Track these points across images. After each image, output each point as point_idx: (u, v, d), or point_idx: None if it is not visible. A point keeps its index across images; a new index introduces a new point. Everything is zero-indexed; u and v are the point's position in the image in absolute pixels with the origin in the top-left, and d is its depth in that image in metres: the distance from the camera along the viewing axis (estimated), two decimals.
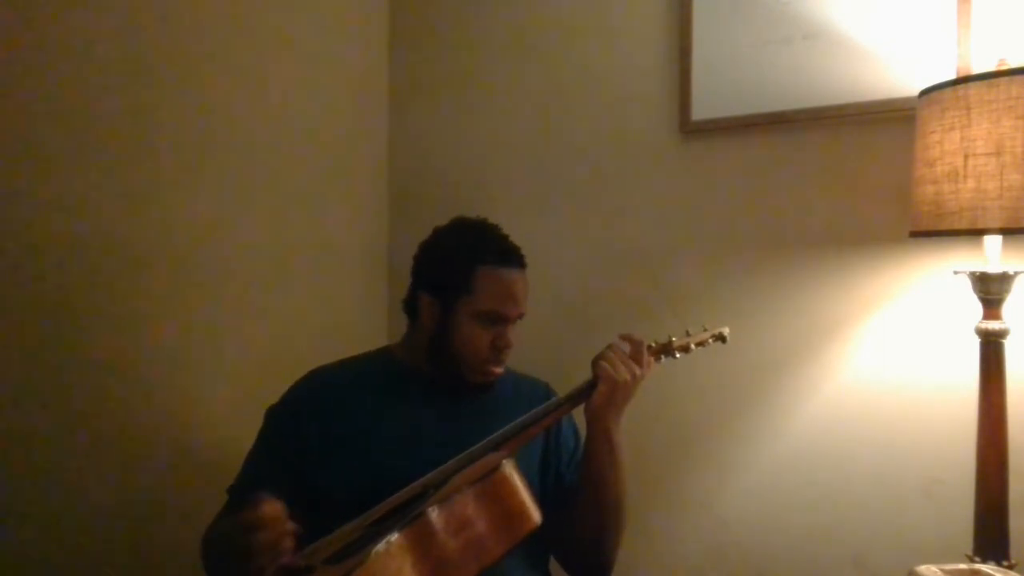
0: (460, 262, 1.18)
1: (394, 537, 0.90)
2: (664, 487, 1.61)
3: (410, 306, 1.26)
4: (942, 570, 1.05)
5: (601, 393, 1.12)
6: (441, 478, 1.04)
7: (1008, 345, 1.18)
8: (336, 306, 1.83)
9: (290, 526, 0.93)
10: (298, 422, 1.19)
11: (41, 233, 1.24)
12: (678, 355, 1.21)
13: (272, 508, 0.92)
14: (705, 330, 1.24)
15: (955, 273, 1.25)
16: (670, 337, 1.21)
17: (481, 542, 0.92)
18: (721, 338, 1.25)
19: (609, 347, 1.15)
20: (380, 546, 0.88)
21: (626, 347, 1.16)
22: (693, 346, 1.22)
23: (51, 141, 1.25)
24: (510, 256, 1.20)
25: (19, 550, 1.21)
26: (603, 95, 1.72)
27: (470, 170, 1.90)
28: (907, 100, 1.30)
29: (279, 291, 1.67)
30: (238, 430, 1.30)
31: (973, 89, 1.10)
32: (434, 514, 0.92)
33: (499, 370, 1.20)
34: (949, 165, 1.12)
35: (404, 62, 1.99)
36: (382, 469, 1.13)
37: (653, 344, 1.20)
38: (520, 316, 1.21)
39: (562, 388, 1.19)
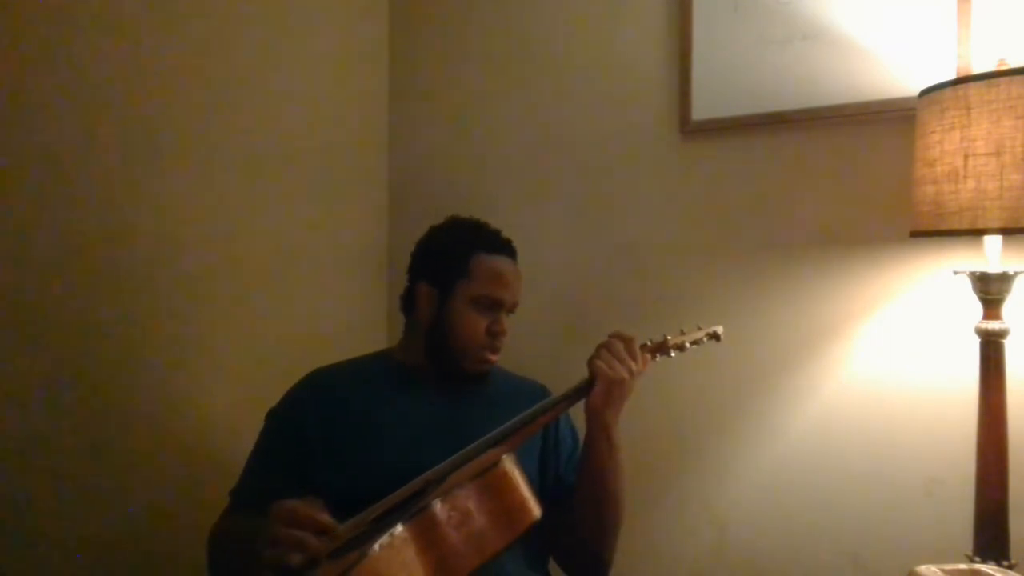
0: (457, 249, 1.22)
1: (398, 530, 0.91)
2: (664, 487, 1.61)
3: (407, 301, 1.28)
4: (942, 570, 1.04)
5: (599, 392, 1.12)
6: (441, 475, 1.04)
7: (1008, 345, 1.18)
8: (336, 308, 1.83)
9: (305, 534, 0.94)
10: (299, 423, 1.19)
11: (42, 233, 1.24)
12: (673, 354, 1.21)
13: (303, 511, 0.94)
14: (699, 329, 1.24)
15: (955, 273, 1.25)
16: (665, 336, 1.21)
17: (483, 535, 0.93)
18: (715, 336, 1.25)
19: (603, 346, 1.15)
20: (384, 539, 0.89)
21: (619, 345, 1.16)
22: (688, 345, 1.22)
23: (55, 142, 1.25)
24: (503, 246, 1.25)
25: (20, 552, 1.21)
26: (603, 95, 1.72)
27: (469, 171, 1.90)
28: (907, 100, 1.30)
29: (279, 293, 1.67)
30: (239, 431, 1.30)
31: (973, 89, 1.10)
32: (437, 507, 0.92)
33: (494, 358, 1.22)
34: (949, 165, 1.12)
35: (404, 63, 1.99)
36: (383, 467, 1.13)
37: (648, 343, 1.20)
38: (514, 305, 1.24)
39: (560, 388, 1.19)
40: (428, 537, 0.91)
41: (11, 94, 1.20)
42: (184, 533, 1.38)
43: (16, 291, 1.21)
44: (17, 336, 1.21)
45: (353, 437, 1.18)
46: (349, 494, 1.08)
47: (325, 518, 0.95)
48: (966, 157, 1.11)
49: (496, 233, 1.27)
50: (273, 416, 1.24)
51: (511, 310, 1.24)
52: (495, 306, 1.21)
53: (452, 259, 1.22)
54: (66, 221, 1.27)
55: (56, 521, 1.26)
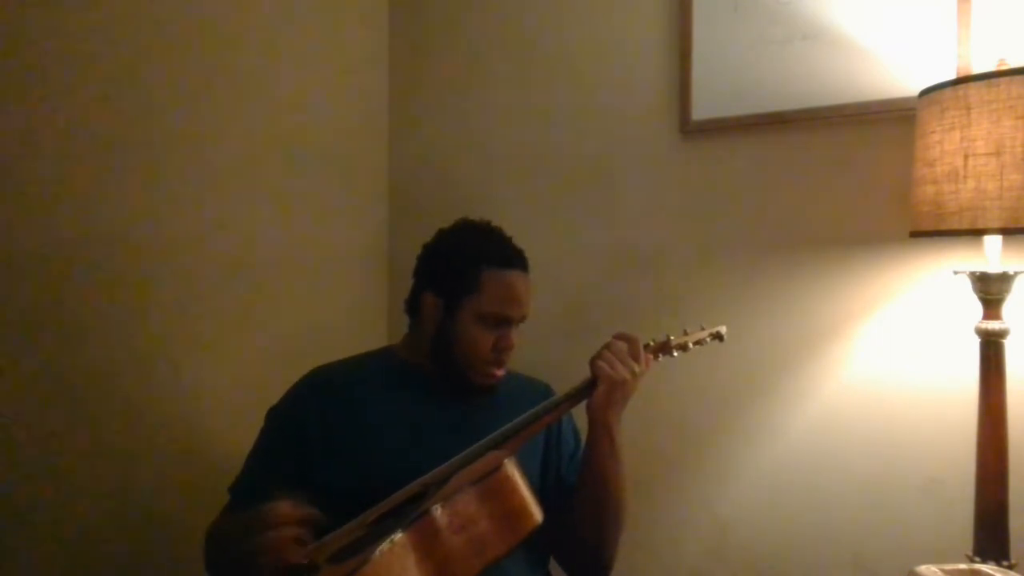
0: (466, 262, 1.18)
1: (398, 536, 0.90)
2: (664, 487, 1.61)
3: (412, 306, 1.26)
4: (942, 570, 1.05)
5: (601, 392, 1.12)
6: (442, 477, 1.04)
7: (1008, 345, 1.18)
8: (336, 307, 1.83)
9: (292, 531, 0.95)
10: (300, 421, 1.19)
11: (43, 233, 1.24)
12: (676, 354, 1.21)
13: (285, 509, 0.94)
14: (702, 329, 1.24)
15: (955, 273, 1.25)
16: (668, 336, 1.21)
17: (483, 540, 0.93)
18: (718, 337, 1.25)
19: (606, 347, 1.15)
20: (384, 545, 0.89)
21: (623, 346, 1.16)
22: (691, 345, 1.22)
23: (55, 143, 1.25)
24: (515, 259, 1.21)
25: (19, 550, 1.21)
26: (603, 96, 1.72)
27: (470, 171, 1.90)
28: (907, 100, 1.30)
29: (279, 292, 1.67)
30: (239, 430, 1.30)
31: (973, 89, 1.10)
32: (437, 513, 0.92)
33: (500, 372, 1.20)
34: (949, 165, 1.13)
35: (404, 63, 1.99)
36: (384, 467, 1.13)
37: (651, 343, 1.20)
38: (523, 318, 1.22)
39: (562, 388, 1.19)
40: (428, 543, 0.91)
41: (8, 93, 1.20)
42: (183, 531, 1.38)
43: (14, 290, 1.21)
44: (15, 336, 1.21)
45: (354, 435, 1.17)
46: (350, 493, 1.08)
47: (304, 509, 0.95)
48: (966, 157, 1.11)
49: (508, 244, 1.23)
50: (274, 414, 1.23)
51: (520, 322, 1.22)
52: (504, 323, 1.18)
53: (461, 272, 1.18)
54: (64, 220, 1.27)
55: (55, 520, 1.25)
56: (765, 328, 1.52)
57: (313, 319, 1.75)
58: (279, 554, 0.93)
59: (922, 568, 1.05)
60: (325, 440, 1.16)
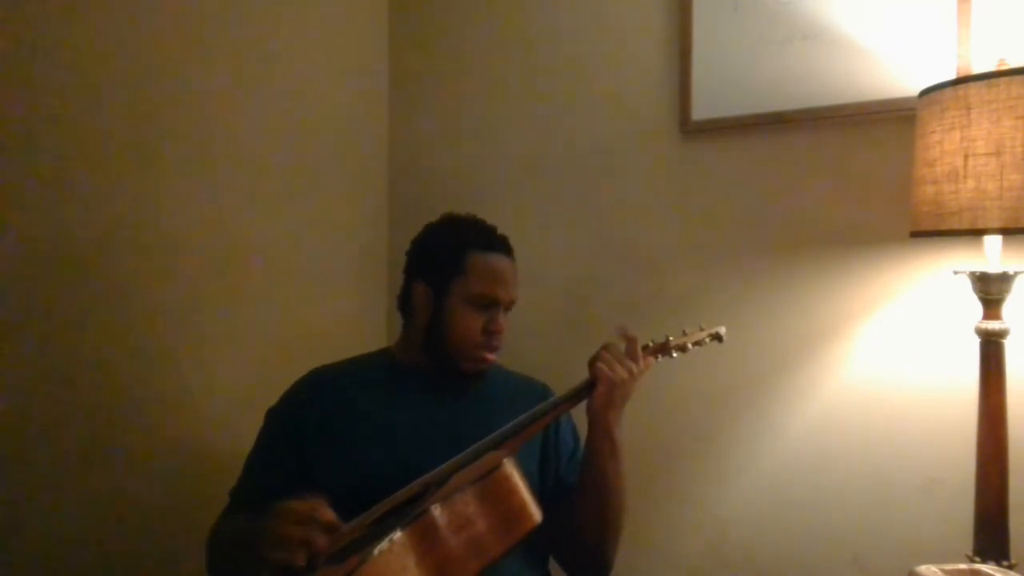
0: (452, 247, 1.21)
1: (397, 535, 0.90)
2: (664, 487, 1.61)
3: (404, 300, 1.27)
4: (942, 570, 1.05)
5: (600, 393, 1.12)
6: (441, 477, 1.04)
7: (1008, 345, 1.18)
8: (336, 307, 1.83)
9: (322, 538, 0.93)
10: (299, 421, 1.19)
11: (41, 232, 1.24)
12: (675, 354, 1.21)
13: (317, 506, 0.93)
14: (701, 329, 1.24)
15: (955, 273, 1.25)
16: (667, 336, 1.21)
17: (482, 540, 0.93)
18: (718, 337, 1.25)
19: (604, 347, 1.16)
20: (383, 544, 0.89)
21: (621, 347, 1.16)
22: (690, 345, 1.22)
23: (52, 141, 1.25)
24: (498, 243, 1.24)
25: (17, 550, 1.21)
26: (603, 95, 1.72)
27: (470, 171, 1.90)
28: (907, 100, 1.30)
29: (279, 292, 1.67)
30: (238, 431, 1.30)
31: (973, 89, 1.10)
32: (436, 512, 0.92)
33: (492, 356, 1.21)
34: (949, 165, 1.13)
35: (404, 63, 1.99)
36: (383, 466, 1.13)
37: (650, 343, 1.20)
38: (511, 303, 1.23)
39: (561, 388, 1.19)
40: (427, 543, 0.91)
41: (10, 93, 1.20)
42: (183, 533, 1.38)
43: (14, 290, 1.21)
44: (15, 336, 1.21)
45: (353, 436, 1.18)
46: (350, 492, 1.07)
47: (330, 515, 0.95)
48: (966, 157, 1.11)
49: (491, 230, 1.26)
50: (273, 414, 1.23)
51: (508, 308, 1.23)
52: (492, 304, 1.20)
53: (447, 257, 1.21)
54: (65, 220, 1.27)
55: (53, 519, 1.25)
56: (765, 328, 1.52)
57: (313, 319, 1.75)
58: (295, 552, 0.91)
59: (922, 568, 1.05)
60: (325, 439, 1.17)
